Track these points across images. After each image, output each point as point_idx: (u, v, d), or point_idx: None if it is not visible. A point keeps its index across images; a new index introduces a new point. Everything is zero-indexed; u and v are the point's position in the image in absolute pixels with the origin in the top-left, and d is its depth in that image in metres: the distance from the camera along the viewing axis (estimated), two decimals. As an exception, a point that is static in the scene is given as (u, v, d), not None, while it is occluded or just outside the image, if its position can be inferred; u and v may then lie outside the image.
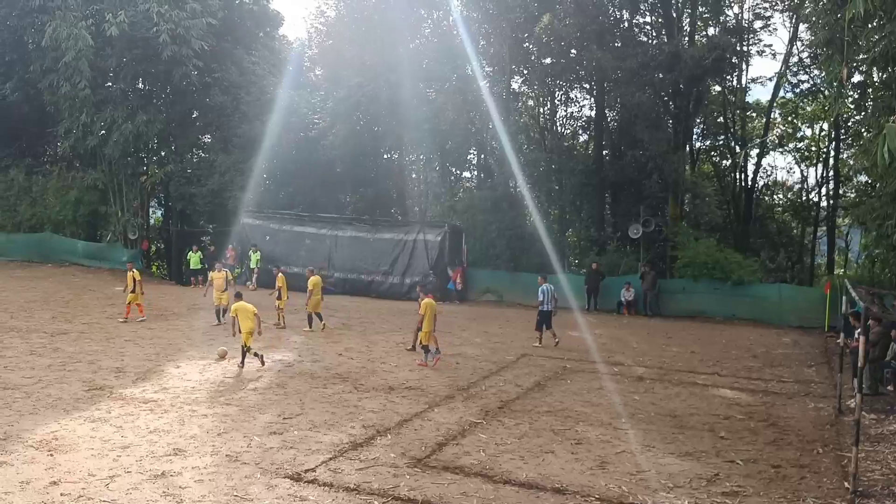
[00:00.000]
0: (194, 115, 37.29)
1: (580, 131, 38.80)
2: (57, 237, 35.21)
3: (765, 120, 36.15)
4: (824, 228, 36.57)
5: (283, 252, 29.36)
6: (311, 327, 19.78)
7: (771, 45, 41.95)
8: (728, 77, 34.05)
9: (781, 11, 33.35)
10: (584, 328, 22.14)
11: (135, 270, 20.39)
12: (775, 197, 39.51)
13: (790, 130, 37.39)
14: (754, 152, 35.74)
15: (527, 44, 33.05)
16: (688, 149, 33.52)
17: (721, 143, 36.83)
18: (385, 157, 37.34)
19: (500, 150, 32.56)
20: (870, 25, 16.64)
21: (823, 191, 36.79)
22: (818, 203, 37.17)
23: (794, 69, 34.17)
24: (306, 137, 33.47)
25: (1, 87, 34.57)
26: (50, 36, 31.36)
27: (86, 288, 27.47)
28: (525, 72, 35.00)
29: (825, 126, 35.94)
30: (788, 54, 33.48)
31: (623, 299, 26.63)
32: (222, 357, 15.47)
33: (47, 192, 35.34)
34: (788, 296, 26.06)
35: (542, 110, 39.13)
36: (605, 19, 31.60)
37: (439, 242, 28.51)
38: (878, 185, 23.48)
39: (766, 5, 33.40)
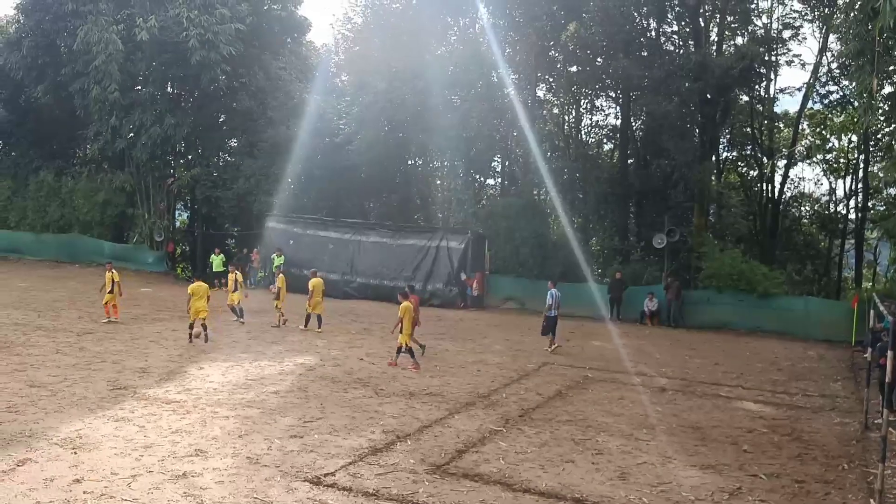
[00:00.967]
0: (221, 120, 37.67)
1: (605, 140, 38.71)
2: (85, 238, 35.71)
3: (793, 131, 35.78)
4: (852, 241, 36.08)
5: (307, 256, 29.50)
6: (306, 326, 20.25)
7: (800, 55, 41.67)
8: (756, 87, 33.76)
9: (811, 21, 33.01)
10: (606, 337, 22.04)
11: (113, 271, 20.36)
12: (802, 208, 39.05)
13: (819, 142, 36.94)
14: (782, 163, 35.37)
15: (553, 52, 33.03)
16: (714, 159, 33.26)
17: (748, 153, 36.49)
18: (409, 163, 37.46)
19: (524, 157, 32.57)
20: (901, 37, 16.43)
21: (852, 203, 36.33)
22: (846, 215, 36.69)
23: (823, 80, 33.80)
24: (332, 143, 33.66)
25: (33, 89, 35.16)
26: (81, 40, 31.90)
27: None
28: (550, 79, 34.99)
29: (854, 137, 35.49)
30: (818, 65, 33.13)
31: (646, 309, 26.44)
32: (197, 336, 17.29)
33: (76, 194, 35.85)
34: (815, 309, 25.71)
35: (567, 118, 39.04)
36: (632, 28, 31.46)
37: (462, 249, 28.52)
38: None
39: (796, 15, 33.10)
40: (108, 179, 35.55)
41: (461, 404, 12.77)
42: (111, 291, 20.00)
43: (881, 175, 34.31)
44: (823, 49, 32.86)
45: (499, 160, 36.84)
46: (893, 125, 28.85)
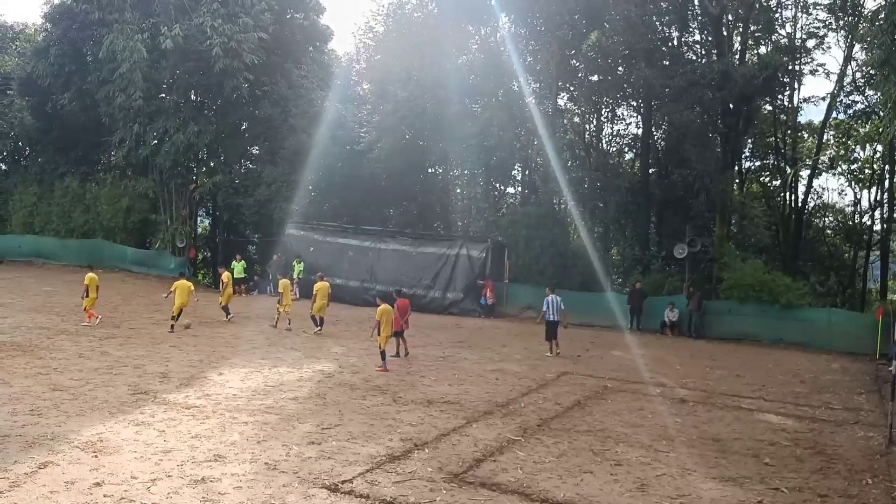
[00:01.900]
0: (244, 127, 37.99)
1: (626, 149, 38.57)
2: (108, 243, 36.12)
3: (816, 140, 35.43)
4: (877, 252, 35.61)
5: (327, 263, 29.57)
6: (318, 326, 20.98)
7: (824, 64, 41.30)
8: (779, 96, 33.48)
9: (836, 30, 32.71)
10: (626, 348, 21.90)
11: (92, 275, 20.41)
12: (826, 219, 38.61)
13: (843, 152, 36.53)
14: (805, 173, 35.03)
15: (574, 61, 33.00)
16: (736, 168, 32.99)
17: (770, 163, 36.17)
18: (430, 171, 37.54)
19: (544, 166, 32.49)
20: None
21: (877, 214, 35.86)
22: (871, 226, 36.22)
23: (848, 89, 33.45)
24: (352, 150, 33.81)
25: (60, 97, 35.69)
26: (107, 48, 32.38)
27: (134, 294, 28.09)
28: (571, 88, 34.92)
29: (880, 148, 35.07)
30: (842, 74, 32.80)
31: (667, 319, 26.24)
32: (186, 327, 19.27)
33: (100, 200, 36.29)
34: (838, 321, 25.36)
35: (588, 127, 38.98)
36: (654, 37, 31.36)
37: (482, 258, 28.51)
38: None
39: (820, 24, 32.81)
40: (131, 186, 35.97)
41: (479, 413, 12.73)
42: (87, 295, 20.05)
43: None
44: (848, 58, 32.56)
45: (519, 169, 36.81)
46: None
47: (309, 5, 37.49)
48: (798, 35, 33.42)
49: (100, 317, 20.32)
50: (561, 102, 35.33)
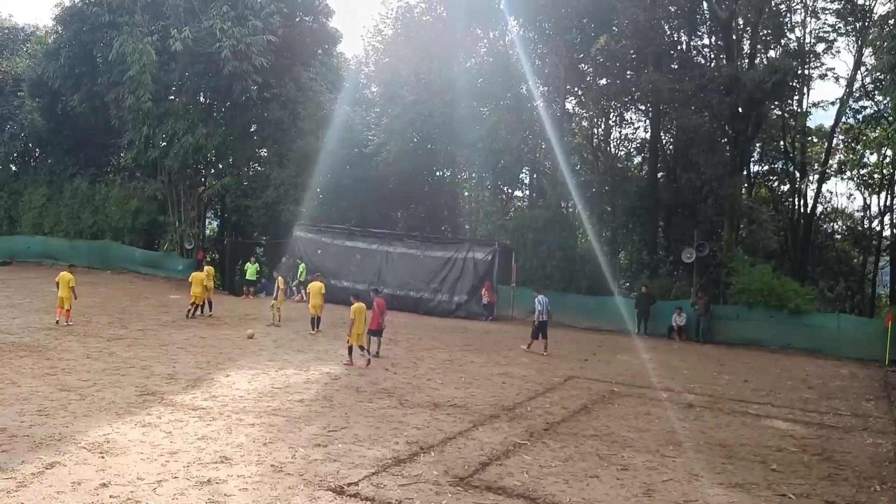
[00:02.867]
0: (252, 129, 38.10)
1: (634, 153, 38.55)
2: (116, 245, 36.27)
3: (826, 145, 35.32)
4: (887, 258, 35.44)
5: (335, 266, 29.67)
6: (314, 328, 21.25)
7: (833, 69, 41.10)
8: (788, 101, 33.38)
9: (845, 35, 32.63)
10: (633, 352, 21.85)
11: (63, 273, 20.29)
12: (835, 224, 38.48)
13: (853, 157, 36.42)
14: (814, 178, 34.91)
15: (582, 64, 32.99)
16: (745, 173, 32.91)
17: (779, 168, 36.06)
18: (437, 174, 37.58)
19: (552, 169, 32.48)
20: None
21: (887, 219, 35.71)
22: (881, 232, 36.07)
23: (857, 94, 33.35)
24: (360, 153, 33.85)
25: (70, 98, 35.88)
26: (117, 50, 32.53)
27: (142, 295, 28.17)
28: (580, 92, 34.92)
29: (889, 153, 34.94)
30: (852, 79, 32.70)
31: (674, 324, 26.18)
32: (250, 337, 18.96)
33: (109, 201, 36.45)
34: (847, 326, 25.25)
35: (596, 131, 38.96)
36: (663, 41, 31.32)
37: (489, 261, 28.52)
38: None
39: (830, 29, 32.74)
40: (140, 187, 36.11)
41: (485, 416, 12.72)
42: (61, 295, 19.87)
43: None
44: (858, 63, 32.47)
45: (527, 172, 36.80)
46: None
47: (318, 8, 37.60)
48: (807, 39, 33.40)
49: (66, 320, 19.90)
50: (569, 106, 35.35)
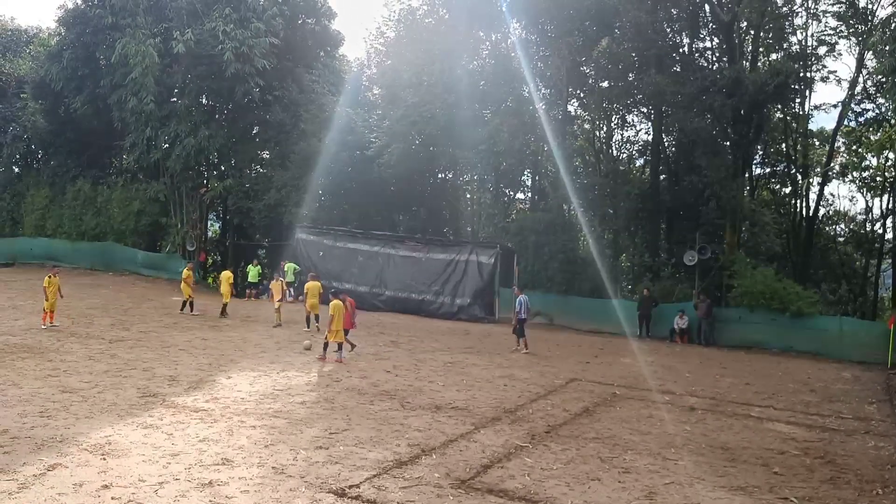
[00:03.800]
0: (255, 132, 38.16)
1: (636, 155, 38.51)
2: (119, 246, 36.33)
3: (828, 148, 35.29)
4: (889, 261, 35.39)
5: (336, 268, 29.67)
6: (308, 327, 21.88)
7: (835, 72, 41.05)
8: (791, 103, 33.36)
9: (847, 38, 32.60)
10: (635, 355, 21.82)
11: (49, 277, 20.12)
12: (838, 227, 38.43)
13: (855, 159, 36.38)
14: (816, 181, 34.88)
15: (584, 67, 33.00)
16: (747, 176, 32.88)
17: (781, 170, 36.04)
18: (440, 176, 37.60)
19: (554, 172, 32.47)
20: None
21: (889, 222, 35.66)
22: (883, 234, 36.03)
23: (859, 97, 33.32)
24: (362, 155, 33.88)
25: (72, 100, 35.94)
26: (119, 52, 32.62)
27: (144, 297, 28.20)
28: (581, 95, 34.91)
29: (892, 155, 34.91)
30: (854, 81, 32.68)
31: (676, 327, 26.15)
32: (307, 349, 18.30)
33: (111, 203, 36.52)
34: (850, 329, 25.22)
35: (598, 134, 38.95)
36: (665, 44, 31.31)
37: (491, 264, 28.51)
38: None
39: (831, 32, 32.71)
40: (142, 189, 36.16)
41: (487, 419, 12.71)
42: (47, 299, 19.74)
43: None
44: (860, 66, 32.44)
45: (528, 174, 36.81)
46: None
47: (320, 11, 37.65)
48: (809, 42, 33.37)
49: (52, 323, 19.78)
50: (571, 108, 35.35)
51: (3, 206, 41.56)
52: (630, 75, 32.19)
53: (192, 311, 24.19)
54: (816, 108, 35.77)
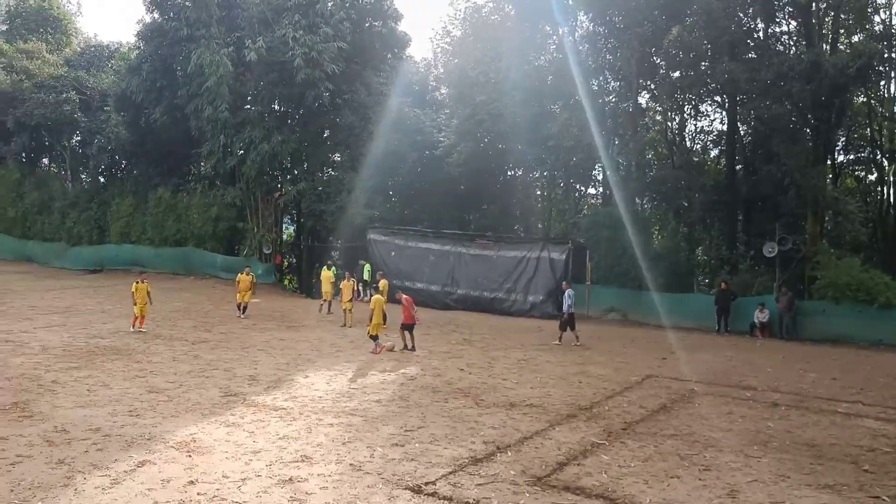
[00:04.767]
0: (326, 135, 38.73)
1: (711, 146, 37.44)
2: (199, 251, 37.44)
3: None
4: None
5: (408, 268, 29.97)
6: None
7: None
8: (874, 86, 31.94)
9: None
10: (713, 350, 21.30)
11: (137, 283, 20.63)
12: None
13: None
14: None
15: (654, 57, 32.30)
16: (829, 163, 31.63)
17: (866, 156, 34.53)
18: (509, 173, 37.45)
19: (626, 166, 31.93)
20: None
21: None
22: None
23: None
24: (431, 155, 34.03)
25: (152, 111, 37.22)
26: (195, 63, 33.64)
27: (224, 300, 29.02)
28: (652, 86, 34.18)
29: None
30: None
31: (756, 321, 25.37)
32: (391, 349, 18.48)
33: (191, 209, 37.64)
34: (943, 321, 23.98)
35: (670, 125, 38.09)
36: (738, 29, 30.35)
37: (563, 260, 28.26)
38: None
39: (918, 9, 31.17)
40: (219, 195, 37.15)
41: (562, 416, 12.61)
42: (135, 303, 20.24)
43: None
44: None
45: (599, 169, 36.30)
46: None
47: (387, 13, 37.97)
48: (894, 21, 31.84)
49: (141, 327, 20.33)
50: (642, 100, 34.66)
51: (91, 214, 43.34)
52: (702, 64, 31.31)
53: (242, 314, 24.34)
54: (903, 89, 34.01)
